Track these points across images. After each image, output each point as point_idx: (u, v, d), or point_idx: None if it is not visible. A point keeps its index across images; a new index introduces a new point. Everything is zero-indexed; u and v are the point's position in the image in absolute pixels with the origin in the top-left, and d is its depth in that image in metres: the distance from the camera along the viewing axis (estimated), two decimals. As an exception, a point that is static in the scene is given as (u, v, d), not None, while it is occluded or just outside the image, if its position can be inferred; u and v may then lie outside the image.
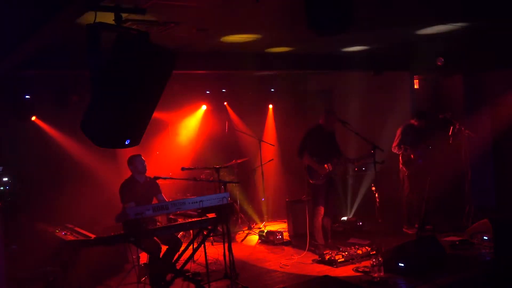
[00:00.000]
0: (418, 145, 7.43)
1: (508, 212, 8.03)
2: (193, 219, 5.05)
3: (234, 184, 8.28)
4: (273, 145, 9.41)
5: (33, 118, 7.73)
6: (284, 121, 10.32)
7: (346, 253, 6.18)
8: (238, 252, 6.97)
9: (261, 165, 8.86)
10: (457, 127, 7.33)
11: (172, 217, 5.45)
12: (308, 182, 6.73)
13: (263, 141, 9.09)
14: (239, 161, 8.82)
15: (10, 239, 5.71)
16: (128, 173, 5.90)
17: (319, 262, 6.28)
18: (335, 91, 10.72)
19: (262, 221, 9.15)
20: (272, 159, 9.31)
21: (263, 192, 9.07)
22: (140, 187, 5.74)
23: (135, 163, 5.77)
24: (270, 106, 10.62)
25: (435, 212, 7.72)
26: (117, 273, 6.15)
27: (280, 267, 6.27)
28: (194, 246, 5.25)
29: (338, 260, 6.06)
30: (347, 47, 7.64)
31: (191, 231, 6.08)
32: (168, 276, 5.24)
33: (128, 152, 5.81)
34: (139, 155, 5.85)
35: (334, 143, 6.89)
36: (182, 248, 5.43)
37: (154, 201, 5.89)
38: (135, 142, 4.12)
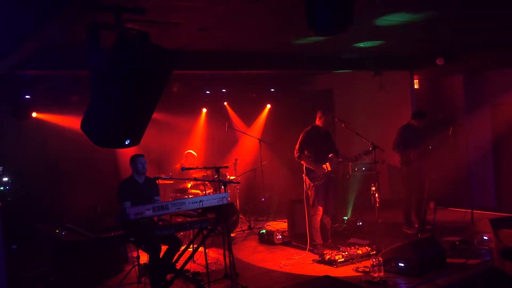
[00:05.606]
0: (418, 145, 7.42)
1: (508, 212, 8.01)
2: (193, 219, 5.04)
3: (234, 184, 8.28)
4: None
5: (34, 114, 7.75)
6: (285, 121, 10.33)
7: (346, 253, 6.17)
8: (238, 252, 6.97)
9: (261, 165, 8.86)
10: (457, 127, 7.32)
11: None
12: (306, 183, 6.73)
13: (262, 140, 9.09)
14: (239, 161, 8.83)
15: (10, 239, 5.71)
16: (128, 173, 5.90)
17: (319, 262, 6.28)
18: (336, 91, 10.73)
19: (262, 221, 9.14)
20: (272, 159, 9.30)
21: (263, 192, 9.06)
22: (138, 187, 5.72)
23: (136, 163, 5.75)
24: (268, 105, 10.63)
25: (435, 211, 7.71)
26: (117, 273, 6.14)
27: (280, 267, 6.27)
28: (194, 246, 5.25)
29: (338, 260, 6.06)
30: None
31: (191, 231, 6.07)
32: (168, 276, 5.24)
33: (129, 152, 5.81)
34: (141, 156, 5.80)
35: (331, 142, 6.87)
36: (182, 248, 5.43)
37: (154, 201, 5.87)
38: (135, 142, 4.12)
